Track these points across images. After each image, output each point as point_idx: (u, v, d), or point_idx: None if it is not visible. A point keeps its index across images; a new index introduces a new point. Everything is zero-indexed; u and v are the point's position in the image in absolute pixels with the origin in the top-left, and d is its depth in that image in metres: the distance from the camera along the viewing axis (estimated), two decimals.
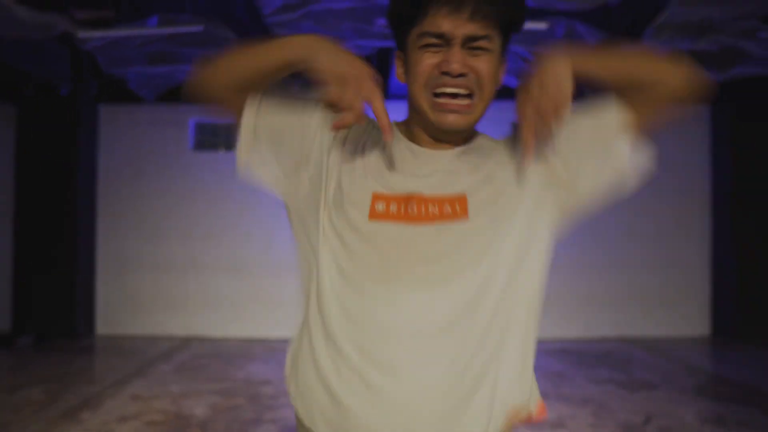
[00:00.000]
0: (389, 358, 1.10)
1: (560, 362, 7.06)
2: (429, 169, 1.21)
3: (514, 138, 1.27)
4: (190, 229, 8.61)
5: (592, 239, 8.60)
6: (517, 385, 1.19)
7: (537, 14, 5.12)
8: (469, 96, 1.15)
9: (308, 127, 1.23)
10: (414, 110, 1.23)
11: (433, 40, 1.14)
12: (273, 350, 7.61)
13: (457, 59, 1.12)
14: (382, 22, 5.57)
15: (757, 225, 8.19)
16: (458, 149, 1.25)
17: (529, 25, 5.27)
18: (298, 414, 1.26)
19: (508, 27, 1.18)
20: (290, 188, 1.25)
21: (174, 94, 7.83)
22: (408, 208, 1.17)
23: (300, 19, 5.22)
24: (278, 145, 1.24)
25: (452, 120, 1.16)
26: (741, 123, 8.19)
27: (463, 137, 1.24)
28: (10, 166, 8.30)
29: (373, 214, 1.16)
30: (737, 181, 8.21)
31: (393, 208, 1.16)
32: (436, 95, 1.14)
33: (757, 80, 7.13)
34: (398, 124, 1.30)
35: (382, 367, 1.10)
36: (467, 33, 1.12)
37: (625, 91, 1.19)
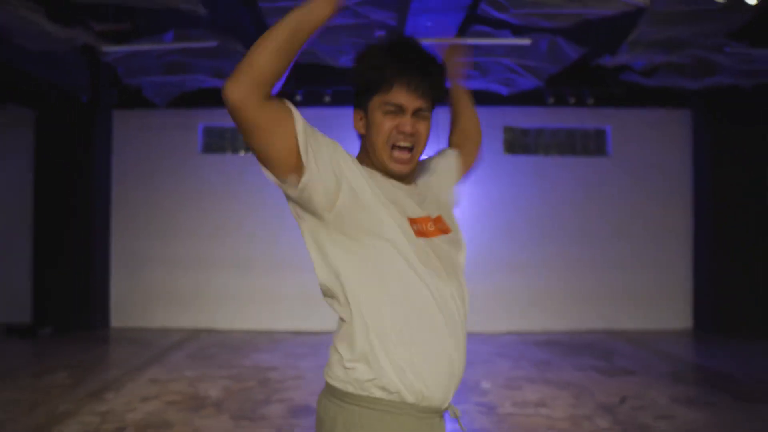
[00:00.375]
0: (448, 322, 1.58)
1: (548, 352, 7.52)
2: (419, 199, 1.70)
3: (433, 160, 1.92)
4: (198, 228, 9.07)
5: (582, 238, 9.07)
6: None
7: (522, 31, 5.60)
8: (411, 149, 1.63)
9: (338, 156, 1.54)
10: (373, 155, 1.64)
11: (393, 108, 1.60)
12: (276, 341, 8.07)
13: (409, 124, 1.60)
14: (380, 33, 6.05)
15: (735, 225, 8.64)
16: (414, 184, 1.75)
17: (516, 41, 5.76)
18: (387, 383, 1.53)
19: (436, 102, 1.69)
20: (332, 201, 1.52)
21: (184, 100, 8.32)
22: (427, 227, 1.63)
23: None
24: (324, 164, 1.50)
25: (399, 168, 1.63)
26: (718, 129, 8.65)
27: (409, 176, 1.72)
28: (30, 167, 8.77)
29: (416, 231, 1.59)
30: (716, 183, 8.67)
31: (422, 227, 1.63)
32: (392, 147, 1.62)
33: (732, 88, 7.59)
34: (361, 160, 1.66)
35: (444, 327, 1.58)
36: (417, 106, 1.60)
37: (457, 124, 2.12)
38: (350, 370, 1.54)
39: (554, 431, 4.62)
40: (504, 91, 7.66)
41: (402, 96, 1.58)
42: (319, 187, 1.48)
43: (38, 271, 8.64)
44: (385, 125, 1.60)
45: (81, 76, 8.08)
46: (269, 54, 1.40)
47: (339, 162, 1.52)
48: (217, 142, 9.18)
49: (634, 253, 9.06)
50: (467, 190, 8.57)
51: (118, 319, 9.02)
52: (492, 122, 8.96)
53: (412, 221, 1.59)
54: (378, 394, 1.52)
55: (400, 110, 1.60)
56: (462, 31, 5.54)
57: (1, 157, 9.11)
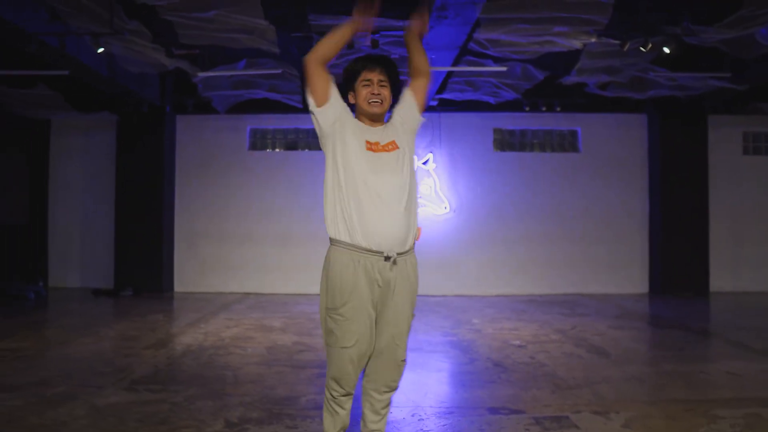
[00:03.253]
0: (381, 200, 2.72)
1: (526, 306, 9.58)
2: (376, 134, 2.81)
3: (396, 110, 2.94)
4: (246, 210, 11.16)
5: (558, 218, 11.12)
6: (415, 222, 2.94)
7: (500, 60, 7.68)
8: (381, 102, 2.82)
9: (338, 106, 2.79)
10: (360, 110, 2.82)
11: (366, 82, 2.78)
12: (313, 300, 10.07)
13: (376, 90, 2.79)
14: (395, 57, 8.12)
15: (681, 207, 10.67)
16: (381, 126, 2.88)
17: (496, 68, 7.83)
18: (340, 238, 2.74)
19: (394, 77, 2.86)
20: (332, 122, 2.74)
21: (235, 107, 10.41)
22: (376, 146, 2.77)
23: (342, 63, 7.77)
24: (334, 107, 2.77)
25: (375, 109, 2.80)
26: (667, 130, 10.67)
27: (381, 119, 2.87)
28: (112, 161, 10.89)
29: (367, 147, 2.77)
30: (665, 173, 10.71)
31: (372, 146, 2.76)
32: (369, 102, 2.80)
33: (673, 98, 9.63)
34: (356, 118, 2.84)
35: (379, 203, 2.71)
36: (378, 78, 2.79)
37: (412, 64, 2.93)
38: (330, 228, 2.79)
39: (520, 341, 6.70)
40: (492, 100, 9.74)
41: (369, 73, 2.81)
42: (330, 111, 2.78)
43: (119, 245, 10.74)
44: (364, 91, 2.81)
45: (154, 89, 10.17)
46: (330, 47, 2.74)
47: (342, 105, 2.82)
48: (262, 141, 11.28)
49: (601, 231, 11.12)
50: (465, 181, 10.81)
51: (180, 284, 11.12)
52: (483, 125, 11.05)
53: (367, 142, 2.79)
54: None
55: (370, 82, 2.81)
56: (456, 61, 7.61)
57: (89, 153, 11.24)
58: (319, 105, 2.76)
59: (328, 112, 2.76)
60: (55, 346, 6.38)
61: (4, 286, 10.01)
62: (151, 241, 10.72)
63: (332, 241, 2.82)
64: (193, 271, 11.17)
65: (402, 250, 2.79)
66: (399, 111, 2.94)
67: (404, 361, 2.95)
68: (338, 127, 2.78)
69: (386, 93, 2.81)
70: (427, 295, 10.70)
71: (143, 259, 10.67)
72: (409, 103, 2.94)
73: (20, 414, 4.02)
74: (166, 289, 10.85)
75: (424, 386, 4.83)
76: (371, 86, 2.78)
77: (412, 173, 2.88)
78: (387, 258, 2.74)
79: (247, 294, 10.85)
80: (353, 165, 2.74)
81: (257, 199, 11.16)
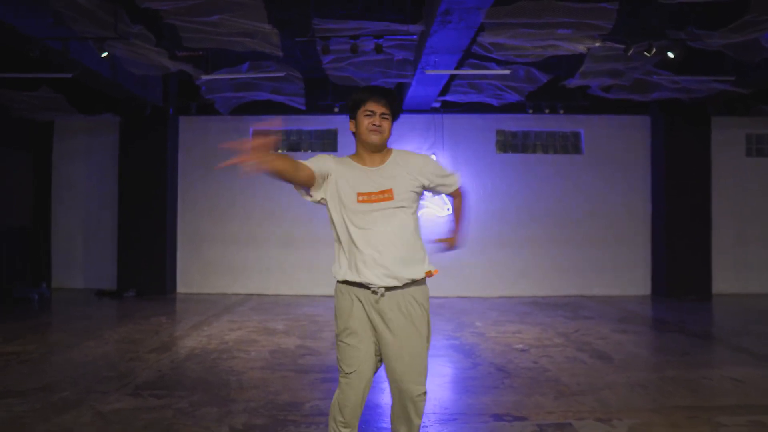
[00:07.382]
0: (379, 246, 2.77)
1: (529, 308, 9.58)
2: (372, 179, 2.83)
3: (418, 163, 2.94)
4: (249, 211, 11.18)
5: (561, 220, 11.12)
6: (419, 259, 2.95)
7: (503, 63, 7.67)
8: (380, 133, 2.83)
9: (326, 171, 2.81)
10: (360, 140, 2.86)
11: (369, 112, 2.80)
12: (316, 302, 10.13)
13: (378, 121, 2.82)
14: (398, 59, 8.13)
15: (684, 209, 10.66)
16: (380, 164, 2.88)
17: (499, 71, 7.83)
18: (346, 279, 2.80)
19: (394, 111, 2.89)
20: (327, 188, 2.82)
21: (239, 109, 10.42)
22: (369, 197, 2.79)
23: (345, 66, 7.79)
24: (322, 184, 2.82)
25: (374, 139, 2.83)
26: (671, 132, 10.66)
27: (380, 150, 2.88)
28: (114, 163, 10.90)
29: (359, 200, 2.78)
30: (668, 175, 10.70)
31: (364, 197, 2.78)
32: (369, 131, 2.82)
33: (677, 100, 9.62)
34: (351, 157, 2.90)
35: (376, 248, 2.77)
36: (381, 111, 2.82)
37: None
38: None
39: (523, 345, 6.70)
40: (495, 102, 9.74)
41: (373, 105, 2.85)
42: (324, 185, 2.85)
43: (122, 247, 10.76)
44: (366, 122, 2.85)
45: (156, 91, 10.18)
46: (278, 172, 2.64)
47: (326, 166, 2.85)
48: None
49: (604, 233, 11.12)
50: (468, 182, 10.84)
51: (183, 285, 11.14)
52: (486, 127, 11.04)
53: (359, 194, 2.82)
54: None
55: (372, 113, 2.85)
56: (459, 64, 7.61)
57: (92, 154, 11.27)
58: (315, 189, 2.84)
59: (323, 186, 2.85)
60: (59, 350, 6.40)
61: (9, 288, 10.04)
62: (154, 242, 10.73)
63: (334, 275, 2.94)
64: (196, 273, 11.19)
65: (393, 285, 2.84)
66: (426, 169, 2.93)
67: (421, 395, 2.91)
68: (331, 188, 2.85)
69: (387, 125, 2.85)
70: (430, 297, 10.69)
71: (146, 261, 10.69)
72: (439, 182, 2.99)
73: (26, 420, 4.03)
74: (169, 291, 10.87)
75: (428, 392, 4.83)
76: (373, 117, 2.82)
77: (408, 220, 2.90)
78: (374, 292, 2.82)
79: (250, 295, 10.87)
80: (349, 218, 2.82)
81: (260, 200, 11.17)
